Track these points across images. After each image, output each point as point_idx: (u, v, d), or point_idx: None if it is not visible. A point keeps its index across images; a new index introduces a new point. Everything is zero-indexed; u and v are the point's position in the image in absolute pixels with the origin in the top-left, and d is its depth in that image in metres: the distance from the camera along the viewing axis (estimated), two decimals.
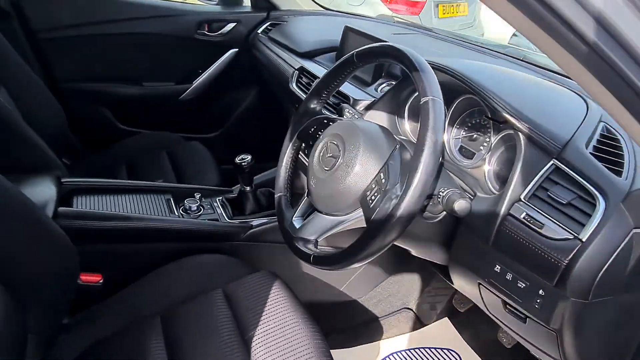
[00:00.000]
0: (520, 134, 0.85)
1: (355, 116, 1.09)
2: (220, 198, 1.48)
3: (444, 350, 1.55)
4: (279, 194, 1.08)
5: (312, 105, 1.08)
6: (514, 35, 1.90)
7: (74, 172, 1.51)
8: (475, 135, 1.06)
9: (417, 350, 1.56)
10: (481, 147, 1.04)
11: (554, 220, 0.78)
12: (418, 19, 5.05)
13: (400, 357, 1.53)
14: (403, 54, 0.83)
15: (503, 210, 0.84)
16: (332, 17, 2.00)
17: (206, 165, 1.77)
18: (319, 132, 1.03)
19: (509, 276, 0.83)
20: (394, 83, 1.23)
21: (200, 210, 1.38)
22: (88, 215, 1.19)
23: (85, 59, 1.97)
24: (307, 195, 1.00)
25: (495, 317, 0.96)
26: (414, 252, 1.01)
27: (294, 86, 1.52)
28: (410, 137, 1.17)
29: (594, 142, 0.84)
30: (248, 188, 1.42)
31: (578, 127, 0.87)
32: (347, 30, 1.43)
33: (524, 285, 0.81)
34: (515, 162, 0.85)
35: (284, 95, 1.70)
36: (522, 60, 1.32)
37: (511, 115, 0.86)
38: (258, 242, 1.39)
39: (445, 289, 1.63)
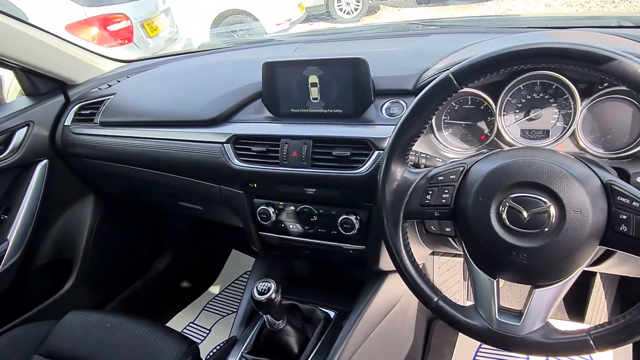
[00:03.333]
0: None
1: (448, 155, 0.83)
2: (238, 357, 1.00)
3: None
4: (435, 300, 0.76)
5: (402, 173, 0.77)
6: None
7: None
8: (538, 112, 0.94)
9: None
10: (552, 121, 0.94)
11: None
12: (134, 45, 4.53)
13: None
14: (588, 51, 0.63)
15: None
16: (171, 66, 1.47)
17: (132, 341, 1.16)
18: (444, 196, 0.74)
19: None
20: (399, 101, 0.99)
21: None
22: None
23: None
24: (495, 280, 0.72)
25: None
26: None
27: (238, 163, 1.08)
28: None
29: None
30: (280, 322, 0.98)
31: None
32: (275, 66, 1.07)
33: None
34: None
35: (194, 183, 1.22)
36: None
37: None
38: None
39: None
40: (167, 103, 1.24)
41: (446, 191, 0.74)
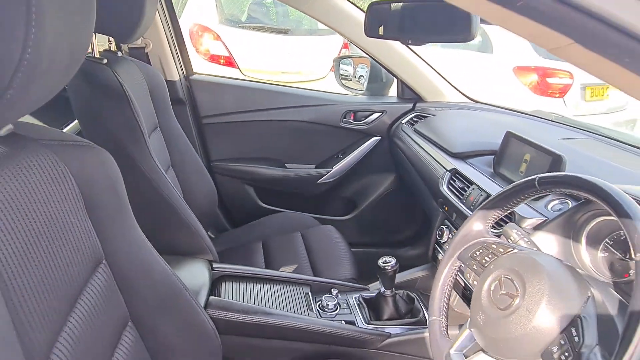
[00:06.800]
0: None
1: (525, 240, 0.98)
2: (357, 296, 1.43)
3: None
4: (433, 318, 1.00)
5: (476, 227, 1.00)
6: None
7: (215, 245, 1.66)
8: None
9: None
10: None
11: None
12: (562, 102, 4.76)
13: None
14: (608, 194, 0.73)
15: None
16: (482, 112, 1.92)
17: (340, 252, 1.75)
18: (486, 258, 0.93)
19: None
20: (567, 202, 1.10)
21: (337, 308, 1.34)
22: (235, 307, 1.22)
23: (237, 142, 2.14)
24: (469, 328, 0.90)
25: None
26: None
27: (444, 188, 1.45)
28: (590, 271, 1.02)
29: None
30: (388, 292, 1.35)
31: None
32: (510, 136, 1.34)
33: None
34: None
35: (427, 191, 1.64)
36: None
37: None
38: (393, 353, 1.31)
39: None
40: (452, 132, 1.68)
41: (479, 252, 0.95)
